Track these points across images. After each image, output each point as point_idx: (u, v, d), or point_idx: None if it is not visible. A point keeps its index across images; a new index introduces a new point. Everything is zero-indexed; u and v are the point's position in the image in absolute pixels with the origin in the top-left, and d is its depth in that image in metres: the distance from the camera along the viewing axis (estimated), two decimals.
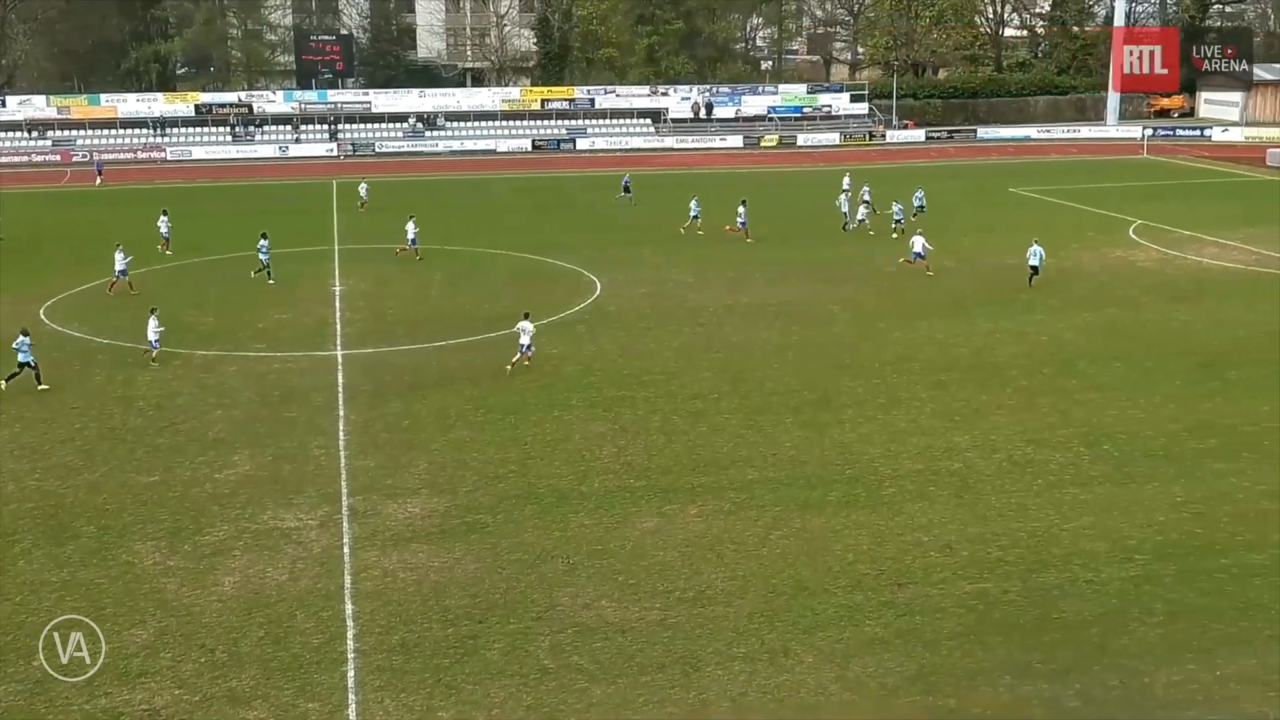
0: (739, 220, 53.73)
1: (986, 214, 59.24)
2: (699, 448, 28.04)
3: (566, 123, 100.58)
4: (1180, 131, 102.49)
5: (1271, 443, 27.85)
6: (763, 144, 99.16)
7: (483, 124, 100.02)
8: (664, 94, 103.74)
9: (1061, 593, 20.86)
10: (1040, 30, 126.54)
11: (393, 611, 20.36)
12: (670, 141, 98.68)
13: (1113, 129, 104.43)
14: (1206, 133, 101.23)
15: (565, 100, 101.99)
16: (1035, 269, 44.01)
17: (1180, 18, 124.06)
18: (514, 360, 33.89)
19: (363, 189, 66.47)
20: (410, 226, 50.50)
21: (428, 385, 32.95)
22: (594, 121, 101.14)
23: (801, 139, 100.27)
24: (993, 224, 56.89)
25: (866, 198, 59.12)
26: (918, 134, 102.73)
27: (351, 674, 18.50)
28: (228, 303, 42.98)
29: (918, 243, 47.08)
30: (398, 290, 45.01)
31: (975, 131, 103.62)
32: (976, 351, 36.02)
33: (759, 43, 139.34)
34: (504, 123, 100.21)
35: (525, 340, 33.81)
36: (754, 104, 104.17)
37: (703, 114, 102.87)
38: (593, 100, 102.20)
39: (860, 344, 36.95)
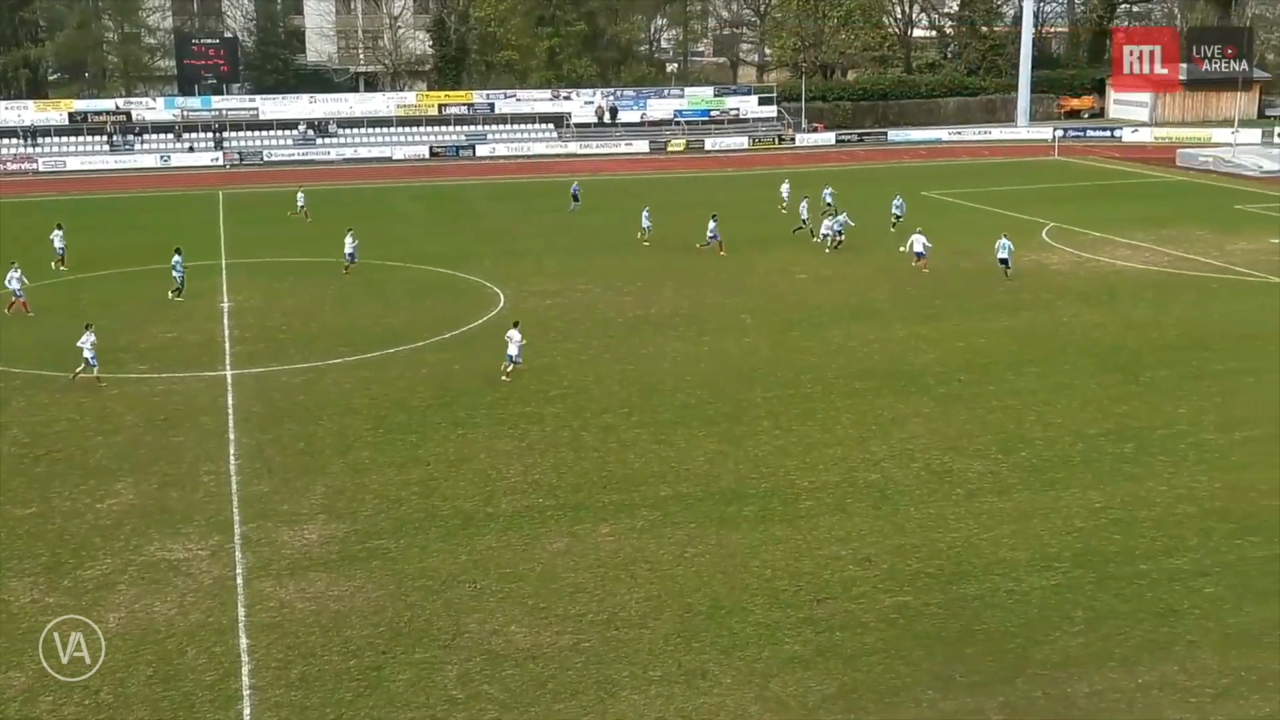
0: (710, 235, 53.32)
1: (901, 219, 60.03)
2: (610, 464, 28.05)
3: (465, 128, 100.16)
4: (1091, 132, 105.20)
5: (1186, 446, 28.65)
6: (669, 148, 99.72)
7: (377, 130, 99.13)
8: (566, 98, 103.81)
9: (982, 604, 21.22)
10: (949, 30, 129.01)
11: (290, 644, 20.05)
12: (574, 147, 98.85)
13: (1023, 130, 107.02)
14: (1117, 133, 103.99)
15: (464, 105, 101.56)
16: (1005, 262, 46.05)
17: (1088, 17, 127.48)
18: (507, 369, 34.22)
19: (300, 198, 65.45)
20: (349, 240, 49.89)
21: (323, 405, 32.55)
22: (494, 127, 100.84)
23: (709, 143, 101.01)
24: (906, 228, 57.67)
25: (829, 200, 59.82)
26: (828, 137, 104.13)
27: (247, 712, 18.17)
28: (107, 321, 41.99)
29: (918, 241, 48.50)
30: (290, 306, 44.43)
31: (886, 134, 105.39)
32: (892, 359, 36.55)
33: (664, 44, 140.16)
34: (400, 129, 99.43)
35: (514, 350, 34.11)
36: (659, 107, 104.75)
37: (607, 118, 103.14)
38: (492, 105, 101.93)
39: (773, 353, 37.27)
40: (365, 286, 47.45)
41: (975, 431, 29.89)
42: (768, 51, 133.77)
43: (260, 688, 18.78)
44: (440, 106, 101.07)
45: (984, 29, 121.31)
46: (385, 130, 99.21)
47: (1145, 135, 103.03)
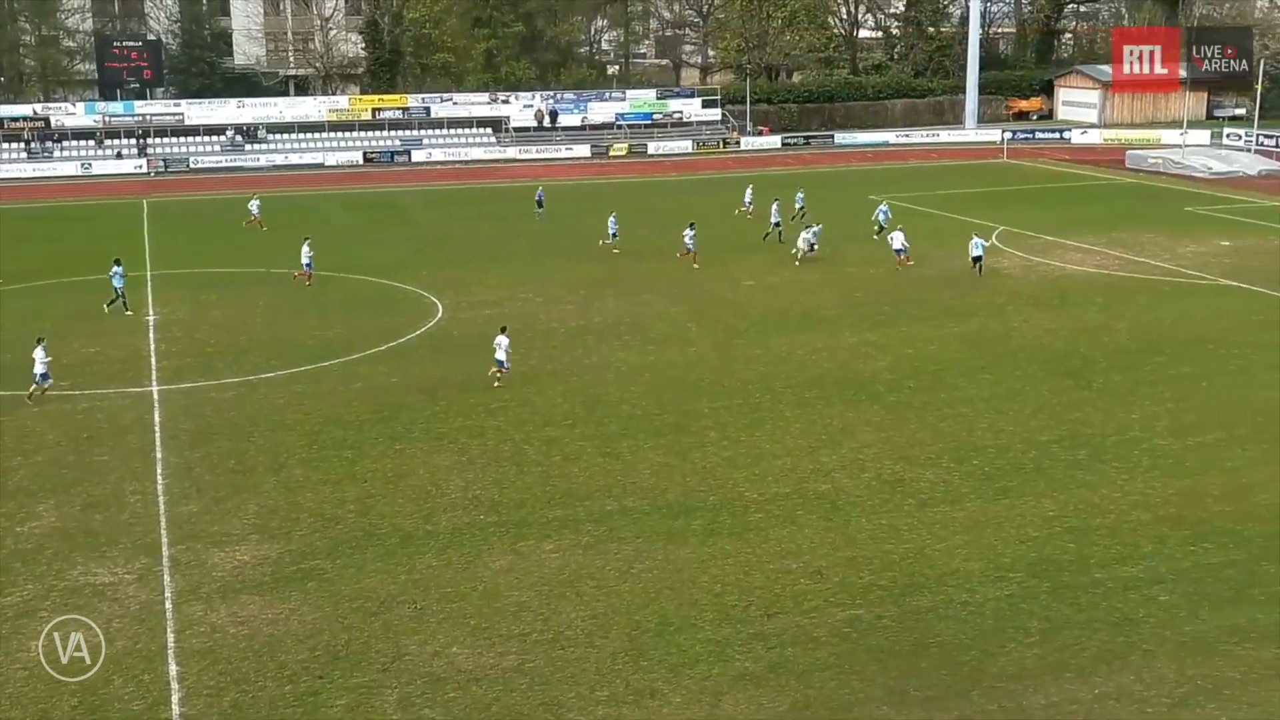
0: (687, 244, 53.05)
1: (848, 223, 60.47)
2: (553, 479, 28.00)
3: (400, 133, 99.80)
4: (1039, 134, 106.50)
5: (1140, 452, 29.04)
6: (611, 153, 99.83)
7: (308, 136, 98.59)
8: (505, 101, 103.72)
9: (936, 615, 21.37)
10: (895, 31, 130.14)
11: (222, 670, 19.83)
12: (513, 151, 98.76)
13: (971, 132, 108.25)
14: (1065, 135, 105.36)
15: (398, 109, 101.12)
16: (978, 259, 48.11)
17: (1035, 17, 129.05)
18: (494, 372, 34.71)
19: (254, 205, 64.65)
20: (305, 249, 49.41)
21: (255, 421, 32.24)
22: (430, 131, 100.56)
23: (652, 147, 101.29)
24: (854, 233, 58.15)
25: (800, 205, 60.17)
26: (773, 140, 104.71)
27: None
28: (24, 336, 41.35)
29: (897, 239, 50.12)
30: (219, 318, 43.99)
31: (833, 137, 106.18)
32: (842, 366, 36.78)
33: (604, 46, 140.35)
34: (332, 134, 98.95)
35: (501, 355, 34.46)
36: (601, 111, 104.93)
37: (546, 122, 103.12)
38: (428, 109, 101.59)
39: (720, 362, 37.38)
40: (297, 298, 47.08)
41: (927, 440, 30.13)
42: (711, 53, 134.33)
43: (191, 716, 18.56)
44: (374, 111, 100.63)
45: (930, 29, 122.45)
46: (317, 135, 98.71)
47: (1094, 137, 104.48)
